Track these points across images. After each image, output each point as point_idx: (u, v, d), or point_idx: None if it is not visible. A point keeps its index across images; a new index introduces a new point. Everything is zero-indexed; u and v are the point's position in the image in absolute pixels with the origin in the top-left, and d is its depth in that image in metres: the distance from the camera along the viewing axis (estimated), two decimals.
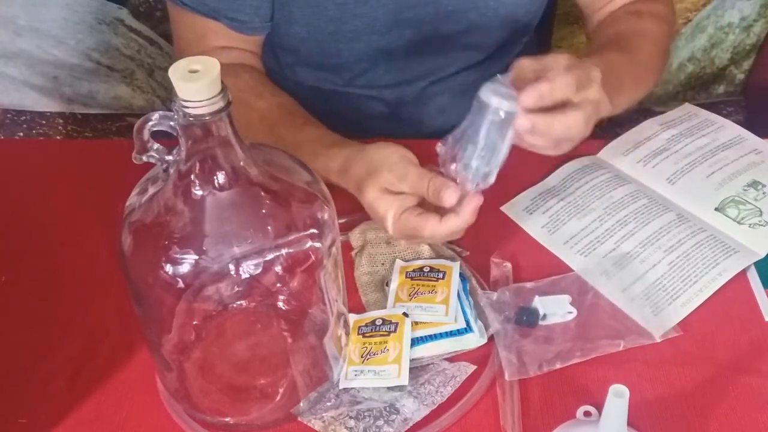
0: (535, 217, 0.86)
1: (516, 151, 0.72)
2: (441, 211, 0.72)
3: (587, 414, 0.68)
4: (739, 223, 0.83)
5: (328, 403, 0.69)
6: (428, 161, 0.75)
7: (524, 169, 0.91)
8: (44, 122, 1.67)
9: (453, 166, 0.70)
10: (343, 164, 0.78)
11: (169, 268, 0.59)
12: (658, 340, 0.73)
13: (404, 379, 0.69)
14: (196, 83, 0.54)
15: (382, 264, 0.81)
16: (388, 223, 0.73)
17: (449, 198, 0.70)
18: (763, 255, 0.80)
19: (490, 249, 0.82)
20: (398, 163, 0.73)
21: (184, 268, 0.59)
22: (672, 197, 0.87)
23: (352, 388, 0.70)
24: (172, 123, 0.57)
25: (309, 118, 0.89)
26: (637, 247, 0.81)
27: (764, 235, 0.82)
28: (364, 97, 1.04)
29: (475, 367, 0.72)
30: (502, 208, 0.87)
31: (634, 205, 0.86)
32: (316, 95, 1.02)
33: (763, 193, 0.86)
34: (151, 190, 0.61)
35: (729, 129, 0.95)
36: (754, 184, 0.87)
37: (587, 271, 0.79)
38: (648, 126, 0.96)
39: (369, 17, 0.93)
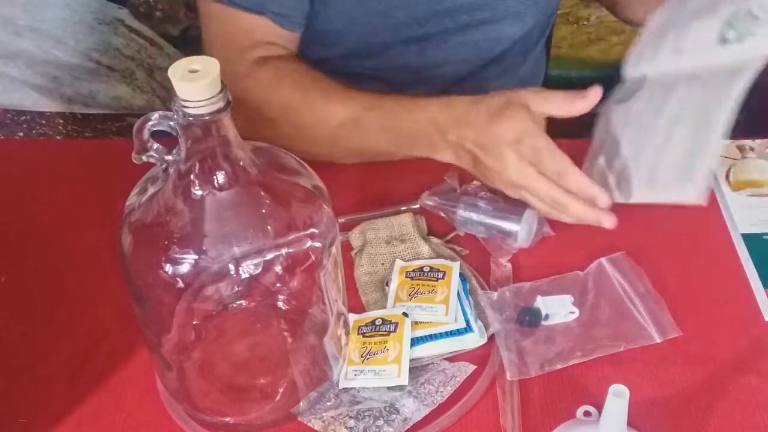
0: None
1: None
2: None
3: (587, 414, 0.68)
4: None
5: (328, 403, 0.69)
6: None
7: None
8: (44, 122, 1.67)
9: None
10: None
11: (169, 268, 0.59)
12: (659, 341, 0.73)
13: (404, 379, 0.69)
14: (195, 83, 0.54)
15: (382, 264, 0.81)
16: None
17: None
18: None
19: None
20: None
21: (184, 268, 0.59)
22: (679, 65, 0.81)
23: (352, 388, 0.70)
24: (171, 123, 0.57)
25: None
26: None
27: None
28: (392, 84, 1.04)
29: (475, 366, 0.72)
30: None
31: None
32: (340, 78, 1.02)
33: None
34: (151, 190, 0.61)
35: None
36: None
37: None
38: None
39: (410, 8, 0.94)
